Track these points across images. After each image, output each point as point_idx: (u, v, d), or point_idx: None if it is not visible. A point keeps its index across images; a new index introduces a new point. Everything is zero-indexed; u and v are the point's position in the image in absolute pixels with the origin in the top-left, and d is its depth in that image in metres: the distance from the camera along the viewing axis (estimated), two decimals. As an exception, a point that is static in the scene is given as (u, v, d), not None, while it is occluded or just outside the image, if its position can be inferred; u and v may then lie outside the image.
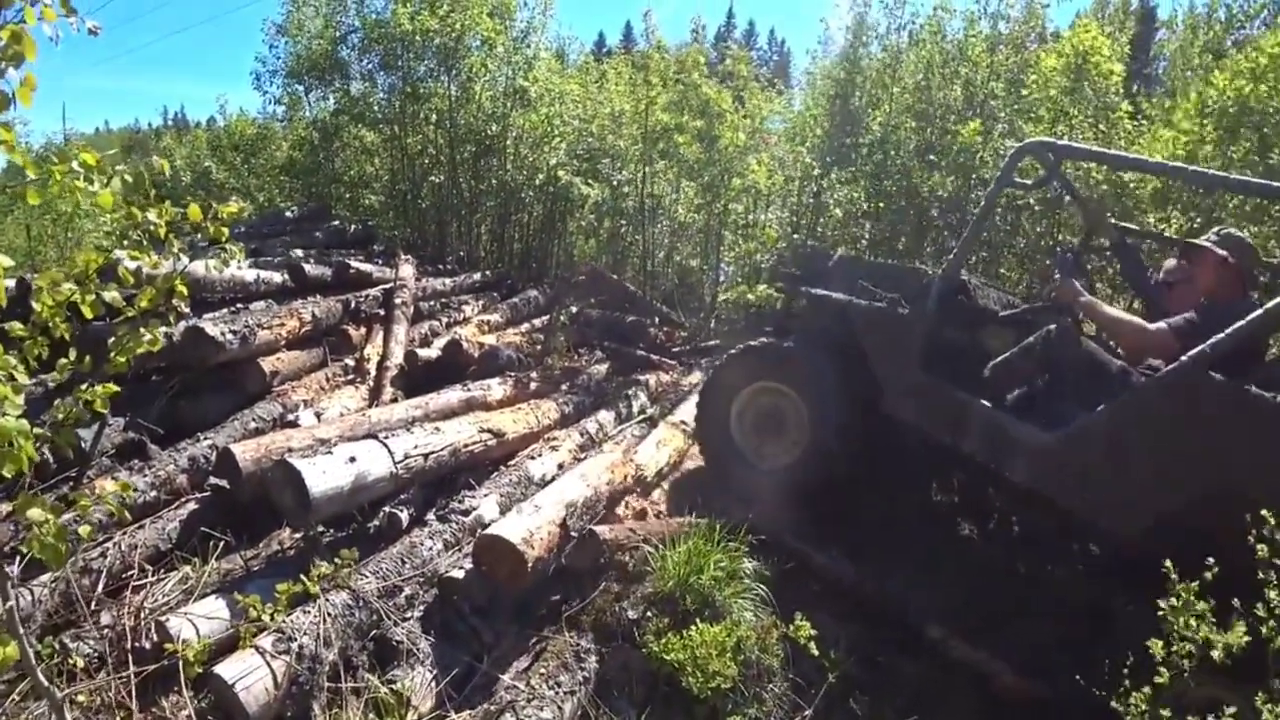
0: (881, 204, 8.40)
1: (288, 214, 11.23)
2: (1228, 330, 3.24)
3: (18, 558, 3.06)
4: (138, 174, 1.62)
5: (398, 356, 5.85)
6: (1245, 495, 2.98)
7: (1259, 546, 2.52)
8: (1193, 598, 2.60)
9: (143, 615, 3.18)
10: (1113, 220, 4.82)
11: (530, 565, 3.40)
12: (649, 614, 3.45)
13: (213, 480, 3.96)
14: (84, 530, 2.07)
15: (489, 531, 3.47)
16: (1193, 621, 2.59)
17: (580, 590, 3.63)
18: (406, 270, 7.43)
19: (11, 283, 4.44)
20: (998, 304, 4.64)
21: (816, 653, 3.41)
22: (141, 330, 1.93)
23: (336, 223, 10.87)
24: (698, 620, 3.34)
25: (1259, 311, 3.25)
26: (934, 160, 8.05)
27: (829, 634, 3.62)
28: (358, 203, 12.02)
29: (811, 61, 11.04)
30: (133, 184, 1.59)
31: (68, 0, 1.72)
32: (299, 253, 7.78)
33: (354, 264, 7.27)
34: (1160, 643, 2.60)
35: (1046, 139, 5.22)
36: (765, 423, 4.80)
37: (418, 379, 5.67)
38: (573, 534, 3.73)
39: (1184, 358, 3.33)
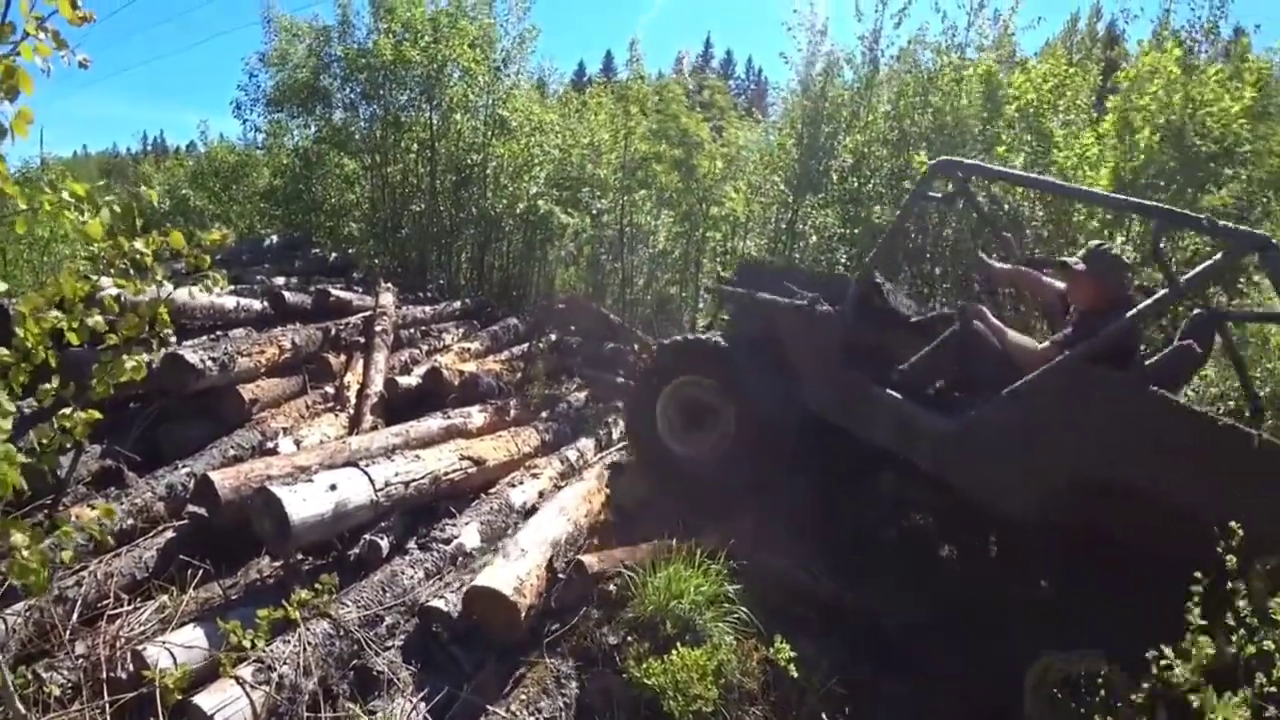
0: (857, 229, 8.53)
1: (267, 241, 11.21)
2: (1096, 336, 3.63)
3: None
4: (127, 205, 1.65)
5: (378, 384, 5.84)
6: (1121, 479, 3.48)
7: (1228, 558, 2.59)
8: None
9: (119, 644, 3.14)
10: (1025, 239, 5.37)
11: (524, 615, 3.41)
12: (630, 639, 3.46)
13: (191, 508, 3.94)
14: (66, 556, 2.05)
15: (480, 584, 3.43)
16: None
17: (561, 616, 3.64)
18: (386, 298, 7.44)
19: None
20: (908, 309, 4.94)
21: (797, 674, 3.42)
22: (125, 358, 1.94)
23: (317, 250, 10.87)
24: (678, 644, 3.35)
25: (1123, 319, 3.64)
26: (907, 187, 8.20)
27: (810, 656, 3.63)
28: (338, 231, 12.03)
29: (783, 88, 11.25)
30: (121, 214, 1.63)
31: (58, 34, 1.76)
32: (279, 280, 7.78)
33: (334, 291, 7.28)
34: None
35: (955, 159, 5.47)
36: (690, 415, 4.97)
37: (398, 407, 5.67)
38: (559, 575, 3.74)
39: (1059, 357, 3.72)
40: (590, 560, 3.81)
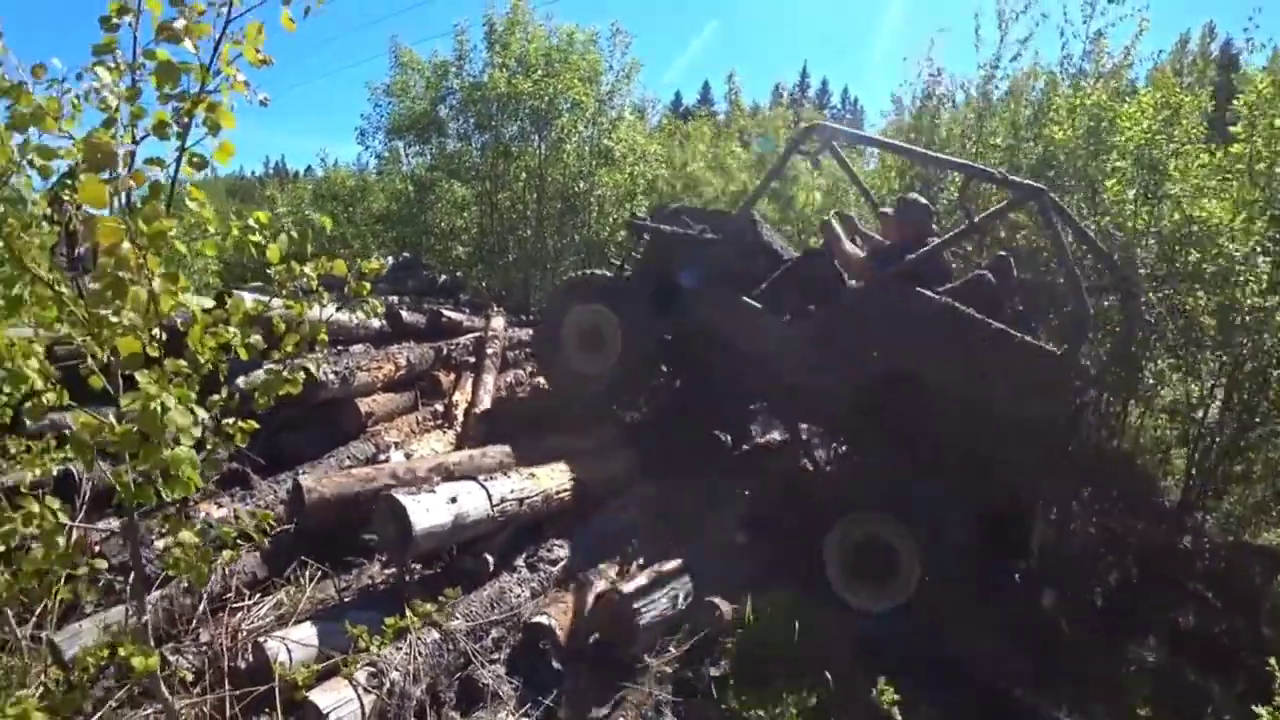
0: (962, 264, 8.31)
1: (389, 262, 11.75)
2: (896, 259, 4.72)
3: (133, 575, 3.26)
4: (303, 232, 1.80)
5: (485, 403, 6.02)
6: (915, 371, 4.42)
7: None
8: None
9: (240, 635, 3.33)
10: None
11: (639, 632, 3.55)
12: (729, 670, 3.45)
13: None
14: (228, 555, 2.22)
15: (610, 590, 3.64)
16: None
17: (666, 643, 3.67)
18: (498, 322, 7.68)
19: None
20: (779, 247, 5.98)
21: (899, 718, 3.34)
22: (285, 373, 2.10)
23: (427, 272, 11.30)
24: (779, 679, 3.33)
25: (923, 250, 4.68)
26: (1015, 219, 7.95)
27: (912, 699, 3.54)
28: (447, 253, 12.49)
29: (885, 117, 11.14)
30: (298, 240, 1.78)
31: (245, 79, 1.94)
32: (394, 300, 8.12)
33: (446, 312, 7.56)
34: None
35: (824, 123, 6.60)
36: (588, 338, 5.73)
37: (503, 426, 5.82)
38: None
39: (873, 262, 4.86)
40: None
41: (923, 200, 5.24)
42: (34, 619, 3.29)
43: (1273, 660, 3.32)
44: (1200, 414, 6.32)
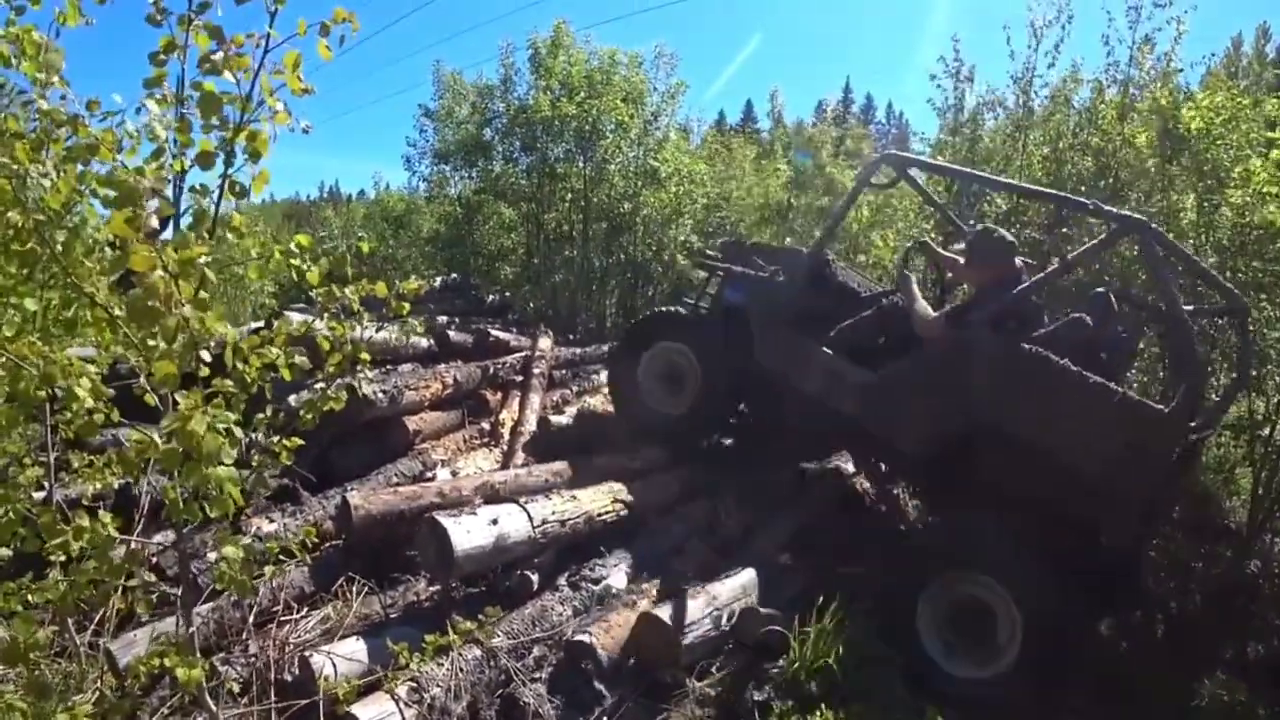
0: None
1: (439, 282, 11.99)
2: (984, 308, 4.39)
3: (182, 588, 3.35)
4: (341, 255, 1.85)
5: (531, 423, 6.06)
6: (1001, 426, 4.14)
7: None
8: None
9: (287, 649, 3.39)
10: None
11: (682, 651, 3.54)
12: (774, 696, 3.39)
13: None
14: (270, 571, 2.27)
15: (652, 611, 3.63)
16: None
17: (709, 664, 3.63)
18: (545, 342, 7.74)
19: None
20: (856, 284, 5.73)
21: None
22: (329, 391, 2.15)
23: (475, 292, 11.47)
24: (824, 705, 3.26)
25: (1010, 293, 4.35)
26: (1065, 232, 7.76)
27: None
28: (495, 274, 12.67)
29: (928, 135, 10.99)
30: (338, 262, 1.82)
31: (286, 105, 2.00)
32: (443, 320, 8.25)
33: (493, 332, 7.65)
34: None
35: (896, 152, 6.09)
36: (666, 377, 5.67)
37: (549, 445, 5.85)
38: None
39: (945, 320, 4.53)
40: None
41: (1002, 234, 4.77)
42: (92, 627, 3.41)
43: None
44: (1266, 431, 6.04)
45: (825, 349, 4.95)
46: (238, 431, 1.69)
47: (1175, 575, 6.18)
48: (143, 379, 1.85)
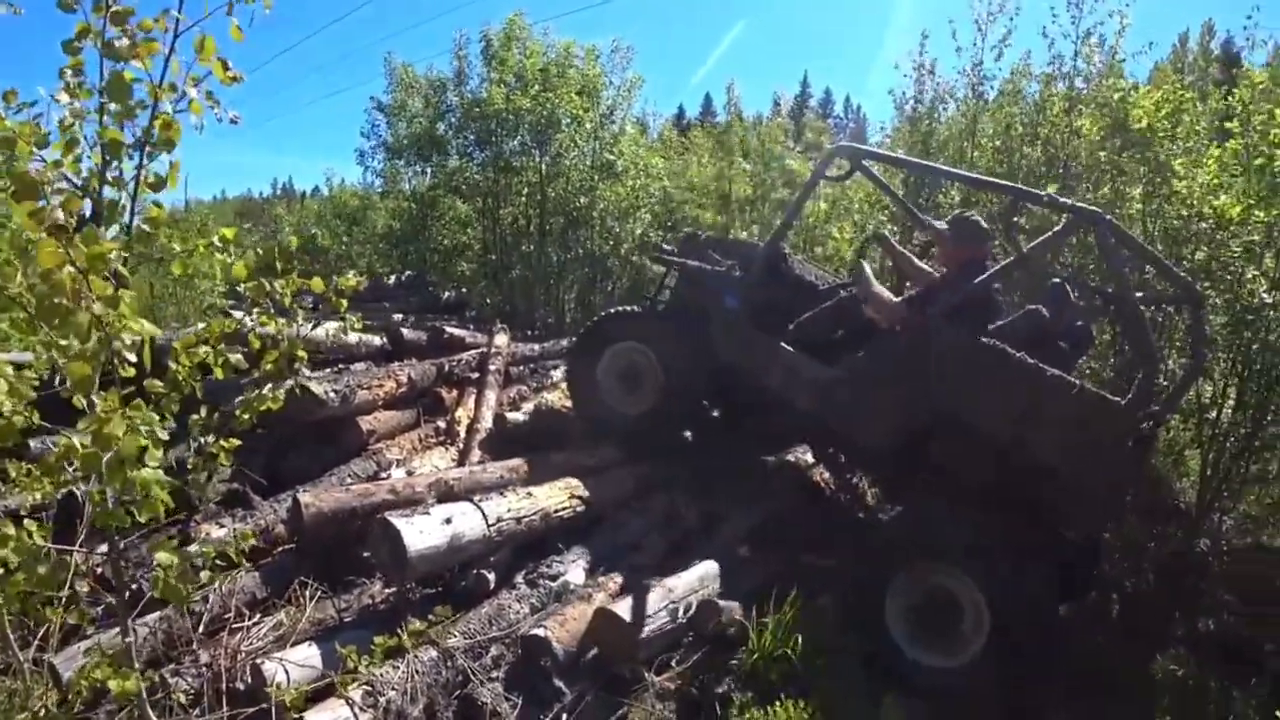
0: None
1: (389, 280, 11.81)
2: (944, 297, 4.37)
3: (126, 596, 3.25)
4: (269, 248, 1.78)
5: (487, 420, 6.00)
6: (960, 417, 4.15)
7: None
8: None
9: (239, 657, 3.30)
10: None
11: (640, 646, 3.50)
12: (734, 687, 3.39)
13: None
14: (205, 575, 2.20)
15: (609, 607, 3.58)
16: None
17: (668, 658, 3.62)
18: (501, 339, 7.67)
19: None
20: (814, 277, 5.67)
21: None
22: (265, 390, 2.08)
23: (432, 289, 11.34)
24: (783, 695, 3.27)
25: (974, 282, 4.29)
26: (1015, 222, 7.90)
27: (920, 716, 3.47)
28: (451, 270, 12.54)
29: (885, 126, 11.15)
30: (263, 257, 1.76)
31: (212, 93, 1.93)
32: (399, 317, 8.14)
33: (448, 329, 7.56)
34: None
35: (851, 144, 6.15)
36: (626, 377, 5.58)
37: (505, 442, 5.79)
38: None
39: (908, 308, 4.48)
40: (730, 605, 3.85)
41: (977, 219, 4.73)
42: (36, 641, 3.29)
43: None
44: (1214, 414, 6.20)
45: (783, 344, 4.90)
46: (161, 433, 1.62)
47: (1128, 556, 6.34)
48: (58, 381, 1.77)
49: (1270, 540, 6.81)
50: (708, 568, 4.20)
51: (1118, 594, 6.19)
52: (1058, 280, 4.86)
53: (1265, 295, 5.64)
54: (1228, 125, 6.49)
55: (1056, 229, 4.43)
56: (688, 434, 6.15)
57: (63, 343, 1.50)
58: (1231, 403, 6.16)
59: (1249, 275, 5.81)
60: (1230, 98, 6.56)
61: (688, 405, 5.66)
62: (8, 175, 1.56)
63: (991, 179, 5.55)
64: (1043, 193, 4.54)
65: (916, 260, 5.35)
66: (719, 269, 5.31)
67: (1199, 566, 6.29)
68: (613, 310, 5.86)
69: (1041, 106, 8.11)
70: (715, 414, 6.25)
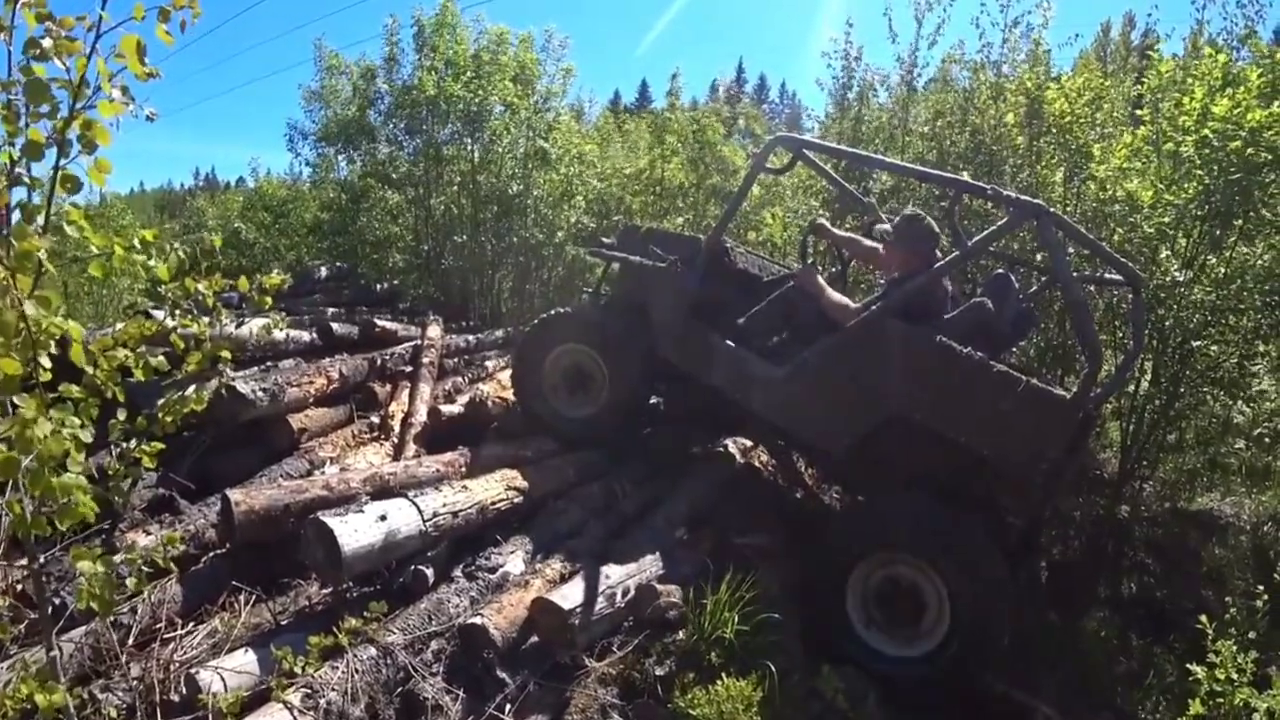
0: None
1: (319, 274, 11.53)
2: (894, 295, 4.36)
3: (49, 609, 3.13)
4: (191, 252, 1.74)
5: (422, 414, 5.93)
6: (910, 414, 4.15)
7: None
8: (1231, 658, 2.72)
9: (172, 668, 3.21)
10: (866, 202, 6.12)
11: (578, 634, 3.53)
12: (675, 668, 3.46)
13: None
14: (132, 583, 2.14)
15: (547, 597, 3.58)
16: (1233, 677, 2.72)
17: (608, 643, 3.66)
18: (434, 331, 7.58)
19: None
20: (757, 268, 5.61)
21: (846, 706, 3.39)
22: (188, 392, 2.04)
23: (363, 281, 11.11)
24: (724, 674, 3.35)
25: (916, 281, 4.32)
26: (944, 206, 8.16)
27: (859, 686, 3.59)
28: (383, 262, 12.31)
29: (817, 112, 11.35)
30: (189, 258, 1.72)
31: (128, 89, 1.87)
32: (330, 311, 7.98)
33: (380, 322, 7.44)
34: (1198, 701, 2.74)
35: (791, 135, 6.35)
36: (571, 378, 5.52)
37: (441, 436, 5.75)
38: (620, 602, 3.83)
39: (866, 312, 4.39)
40: (668, 588, 3.91)
41: (924, 220, 4.68)
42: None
43: (1203, 618, 3.44)
44: (1131, 387, 6.53)
45: (728, 342, 4.85)
46: (85, 436, 1.58)
47: (1057, 525, 6.66)
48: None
49: (1187, 505, 7.24)
50: (645, 553, 4.25)
51: (1047, 563, 6.50)
52: (1000, 271, 4.98)
53: (1177, 274, 5.97)
54: (1138, 112, 6.83)
55: (1000, 223, 4.40)
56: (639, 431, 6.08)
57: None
58: (1148, 376, 6.50)
59: (1162, 255, 6.13)
60: (1141, 85, 6.90)
61: (639, 403, 5.59)
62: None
63: (935, 171, 5.59)
64: (987, 186, 4.53)
65: (862, 240, 5.38)
66: (660, 264, 5.19)
67: (1121, 532, 6.65)
68: (553, 313, 5.76)
69: (970, 95, 8.36)
70: (665, 408, 6.27)
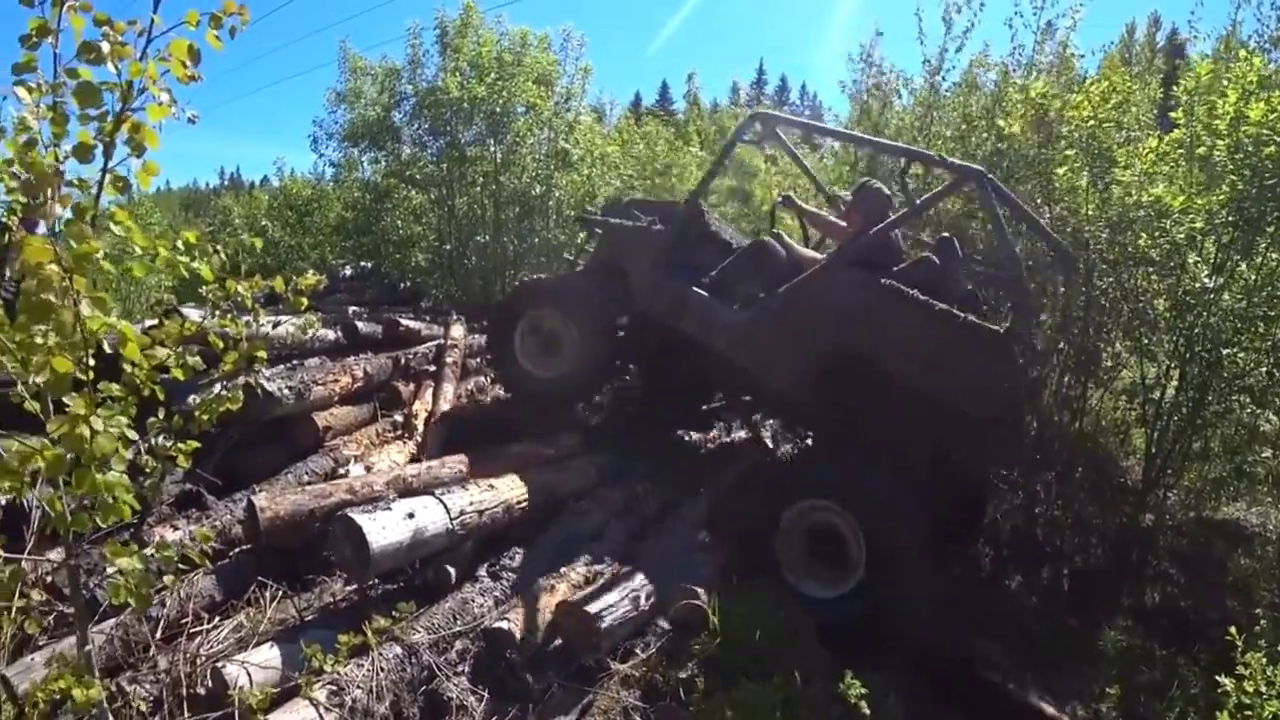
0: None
1: (343, 273, 11.62)
2: (849, 247, 4.87)
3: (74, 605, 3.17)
4: (234, 253, 1.77)
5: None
6: (864, 356, 4.48)
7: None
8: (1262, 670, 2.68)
9: (199, 661, 3.25)
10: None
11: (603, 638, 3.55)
12: (697, 673, 3.45)
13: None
14: (168, 580, 2.17)
15: (573, 599, 3.62)
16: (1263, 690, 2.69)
17: (631, 647, 3.66)
18: (458, 330, 7.61)
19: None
20: (729, 236, 6.08)
21: (868, 711, 3.37)
22: (224, 391, 2.06)
23: (386, 280, 11.17)
24: (745, 678, 3.34)
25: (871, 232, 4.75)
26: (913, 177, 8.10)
27: (880, 691, 3.57)
28: (406, 262, 12.37)
29: (839, 114, 11.33)
30: (229, 259, 1.74)
31: (171, 91, 1.90)
32: (353, 310, 8.03)
33: (403, 321, 7.48)
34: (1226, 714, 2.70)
35: (767, 111, 6.88)
36: (542, 342, 5.82)
37: (464, 435, 5.76)
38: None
39: (824, 260, 4.99)
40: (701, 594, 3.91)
41: (879, 186, 5.24)
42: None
43: (1232, 630, 3.37)
44: (1157, 394, 6.44)
45: (700, 290, 5.23)
46: (131, 434, 1.61)
47: (1079, 532, 6.58)
48: (20, 385, 1.73)
49: (1212, 514, 7.13)
50: (663, 553, 4.26)
51: (1069, 570, 6.42)
52: (946, 235, 5.48)
53: (1206, 280, 5.88)
54: (1172, 115, 6.73)
55: (945, 185, 4.91)
56: (630, 412, 6.51)
57: (39, 341, 1.47)
58: (1175, 383, 6.41)
59: (1191, 260, 6.04)
60: (1176, 87, 6.80)
61: (605, 365, 5.91)
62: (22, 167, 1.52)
63: (886, 141, 6.65)
64: (931, 153, 5.05)
65: (826, 215, 5.78)
66: (638, 224, 5.64)
67: (1145, 541, 6.56)
68: (524, 281, 6.32)
69: (1000, 98, 8.28)
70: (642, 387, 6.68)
